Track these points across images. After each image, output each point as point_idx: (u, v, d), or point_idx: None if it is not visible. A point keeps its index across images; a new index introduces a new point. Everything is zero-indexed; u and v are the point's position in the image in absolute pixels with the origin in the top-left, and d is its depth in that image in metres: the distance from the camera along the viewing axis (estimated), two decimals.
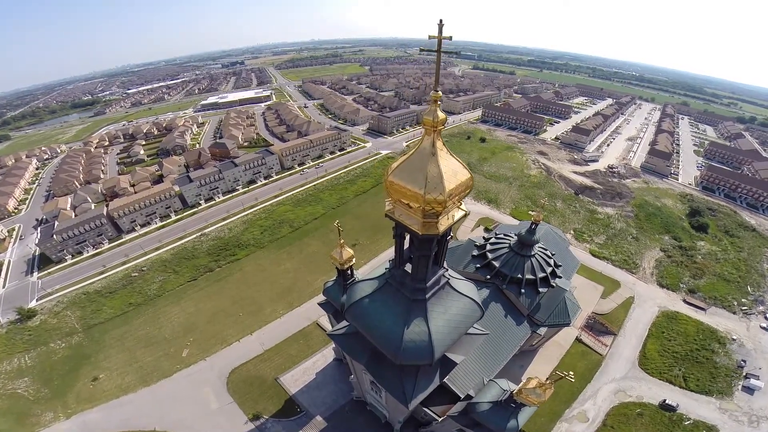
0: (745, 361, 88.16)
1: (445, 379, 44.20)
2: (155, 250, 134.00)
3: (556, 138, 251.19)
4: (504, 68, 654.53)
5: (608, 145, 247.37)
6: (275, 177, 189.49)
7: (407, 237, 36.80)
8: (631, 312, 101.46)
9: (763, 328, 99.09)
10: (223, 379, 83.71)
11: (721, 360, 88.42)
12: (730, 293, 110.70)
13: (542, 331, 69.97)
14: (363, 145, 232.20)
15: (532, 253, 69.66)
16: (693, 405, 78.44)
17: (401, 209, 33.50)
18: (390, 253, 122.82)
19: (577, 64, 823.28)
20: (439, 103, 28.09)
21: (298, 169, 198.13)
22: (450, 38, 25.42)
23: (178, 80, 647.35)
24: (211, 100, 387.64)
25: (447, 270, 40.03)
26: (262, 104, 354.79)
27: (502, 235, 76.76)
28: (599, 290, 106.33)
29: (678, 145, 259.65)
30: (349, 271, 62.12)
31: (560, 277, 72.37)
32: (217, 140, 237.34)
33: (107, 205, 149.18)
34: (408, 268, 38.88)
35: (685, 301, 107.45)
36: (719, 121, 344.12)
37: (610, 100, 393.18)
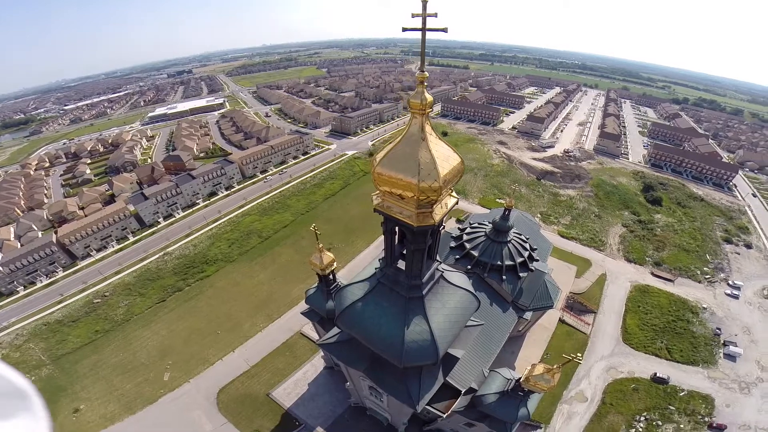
0: (720, 329, 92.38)
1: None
2: (116, 274, 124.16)
3: (514, 127, 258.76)
4: (458, 63, 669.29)
5: (561, 131, 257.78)
6: (237, 187, 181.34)
7: (397, 232, 35.16)
8: (605, 289, 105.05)
9: (728, 295, 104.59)
10: (211, 399, 79.13)
11: (697, 329, 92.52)
12: (692, 263, 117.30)
13: (528, 315, 70.59)
14: (327, 147, 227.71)
15: (508, 239, 70.14)
16: (683, 376, 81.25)
17: (391, 202, 31.58)
18: (367, 254, 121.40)
19: (525, 56, 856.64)
20: (425, 84, 26.32)
21: (261, 176, 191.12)
22: (435, 15, 23.60)
23: (121, 93, 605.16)
24: (160, 111, 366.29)
25: (440, 263, 38.62)
26: (216, 113, 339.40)
27: (476, 224, 76.75)
28: (573, 270, 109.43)
29: (624, 126, 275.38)
30: (331, 276, 59.73)
31: (537, 260, 73.50)
32: (171, 153, 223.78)
33: (56, 232, 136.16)
34: (401, 265, 37.04)
35: (653, 273, 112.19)
36: (657, 103, 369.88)
37: (558, 89, 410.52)
